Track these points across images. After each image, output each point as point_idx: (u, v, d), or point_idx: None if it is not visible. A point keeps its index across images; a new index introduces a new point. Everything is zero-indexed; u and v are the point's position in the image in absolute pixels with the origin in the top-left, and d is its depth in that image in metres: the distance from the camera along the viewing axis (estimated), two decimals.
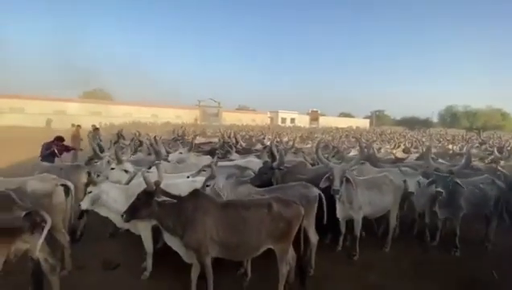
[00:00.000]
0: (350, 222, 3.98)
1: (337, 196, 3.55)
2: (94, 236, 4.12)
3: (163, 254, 3.33)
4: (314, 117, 55.49)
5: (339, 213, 3.74)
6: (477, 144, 11.59)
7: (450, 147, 10.47)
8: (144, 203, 2.63)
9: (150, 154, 5.76)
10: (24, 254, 2.39)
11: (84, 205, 3.09)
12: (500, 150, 7.93)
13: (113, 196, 3.18)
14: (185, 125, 24.84)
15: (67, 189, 3.21)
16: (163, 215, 2.66)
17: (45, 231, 2.34)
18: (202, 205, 2.70)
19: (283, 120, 50.92)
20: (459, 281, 3.46)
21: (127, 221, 2.70)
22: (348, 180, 3.66)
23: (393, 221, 4.24)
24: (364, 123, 57.04)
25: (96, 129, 9.99)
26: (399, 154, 7.37)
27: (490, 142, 12.60)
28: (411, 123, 52.86)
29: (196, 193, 2.81)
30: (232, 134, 10.31)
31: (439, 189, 3.78)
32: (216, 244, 2.68)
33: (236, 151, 7.12)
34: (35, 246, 2.27)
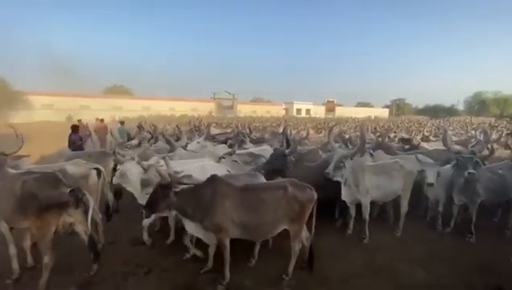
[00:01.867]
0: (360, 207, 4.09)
1: (335, 179, 3.72)
2: (125, 216, 4.55)
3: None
4: (330, 107, 54.49)
5: (345, 197, 3.87)
6: (506, 132, 11.00)
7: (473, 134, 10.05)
8: (161, 196, 2.73)
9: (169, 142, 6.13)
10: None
11: (115, 179, 3.48)
12: None
13: (134, 173, 3.46)
14: (200, 117, 25.42)
15: (99, 173, 3.60)
16: (182, 204, 2.78)
17: (91, 207, 2.70)
18: (220, 189, 2.84)
19: (298, 111, 50.46)
20: (472, 266, 3.45)
21: (148, 215, 2.87)
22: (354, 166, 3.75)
23: (404, 207, 4.27)
24: (383, 113, 55.30)
25: (122, 122, 11.01)
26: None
27: None
28: (435, 111, 50.56)
29: (213, 179, 2.93)
30: (246, 125, 10.56)
31: (471, 171, 3.72)
32: (236, 226, 2.84)
33: (250, 141, 7.38)
34: (78, 219, 2.64)
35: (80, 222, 2.76)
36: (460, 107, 53.98)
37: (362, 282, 3.18)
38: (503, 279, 3.17)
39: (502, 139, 7.52)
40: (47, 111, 32.45)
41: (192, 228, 2.99)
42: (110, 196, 4.10)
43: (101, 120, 11.33)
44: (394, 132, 10.77)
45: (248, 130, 8.59)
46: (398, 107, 60.87)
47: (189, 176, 2.95)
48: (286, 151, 4.27)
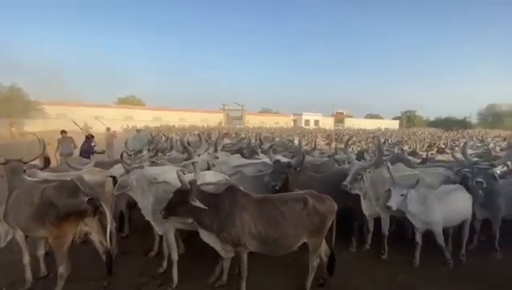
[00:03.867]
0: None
1: (353, 192, 3.60)
2: (137, 226, 4.49)
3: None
4: (339, 118, 54.25)
5: (365, 210, 3.74)
6: None
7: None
8: (180, 201, 2.69)
9: (183, 152, 6.12)
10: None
11: (116, 190, 3.24)
12: None
13: (141, 185, 3.23)
14: (210, 128, 25.68)
15: (115, 181, 3.58)
16: (200, 213, 2.69)
17: (109, 217, 2.67)
18: (239, 200, 2.77)
19: (307, 122, 50.41)
20: (497, 285, 3.27)
21: (165, 217, 2.77)
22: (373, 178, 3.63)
23: None
24: (393, 124, 54.55)
25: (138, 130, 11.48)
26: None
27: None
28: (447, 124, 49.38)
29: (232, 189, 2.88)
30: (257, 136, 10.53)
31: (478, 179, 3.63)
32: (255, 239, 2.75)
33: (261, 152, 7.33)
34: (95, 229, 2.61)
35: (96, 232, 2.73)
36: (474, 120, 52.88)
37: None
38: None
39: None
40: (61, 120, 33.47)
41: (208, 238, 2.92)
42: (123, 206, 4.08)
43: (108, 128, 11.83)
44: (407, 144, 10.53)
45: (259, 142, 8.55)
46: (408, 119, 59.99)
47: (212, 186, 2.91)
48: (292, 163, 4.18)
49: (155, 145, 5.91)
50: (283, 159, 4.59)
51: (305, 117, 51.40)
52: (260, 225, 2.72)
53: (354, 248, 4.05)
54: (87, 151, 7.66)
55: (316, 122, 50.78)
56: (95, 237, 2.77)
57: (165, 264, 3.40)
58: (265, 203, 2.85)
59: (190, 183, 2.67)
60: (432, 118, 59.38)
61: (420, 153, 7.43)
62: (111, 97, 51.47)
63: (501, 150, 8.47)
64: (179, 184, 2.69)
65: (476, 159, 4.31)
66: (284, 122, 48.85)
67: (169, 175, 3.28)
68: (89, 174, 3.58)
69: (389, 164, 4.86)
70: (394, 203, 3.40)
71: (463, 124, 48.72)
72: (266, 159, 5.40)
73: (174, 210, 2.73)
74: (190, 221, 2.79)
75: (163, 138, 8.51)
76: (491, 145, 9.85)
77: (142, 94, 57.25)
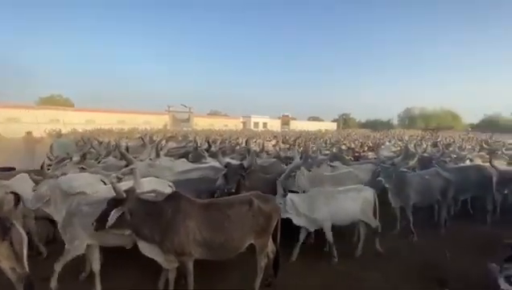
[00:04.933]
0: None
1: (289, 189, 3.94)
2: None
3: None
4: (285, 121, 57.09)
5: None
6: (431, 143, 12.82)
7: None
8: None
9: (122, 158, 5.58)
10: None
11: (32, 203, 2.84)
12: (447, 147, 9.03)
13: (54, 197, 2.87)
14: (153, 131, 24.05)
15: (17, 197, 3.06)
16: (139, 223, 2.50)
17: (24, 241, 2.24)
18: (182, 207, 2.65)
19: (256, 124, 51.55)
20: (419, 263, 3.82)
21: (97, 230, 2.47)
22: None
23: None
24: (332, 126, 59.76)
25: (60, 135, 10.05)
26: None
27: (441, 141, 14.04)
28: (375, 125, 56.68)
29: (174, 196, 2.75)
30: (204, 139, 10.32)
31: (380, 178, 4.34)
32: (200, 245, 2.65)
33: (209, 155, 7.19)
34: (4, 254, 2.16)
35: (6, 258, 2.25)
36: (395, 121, 61.68)
37: (326, 283, 3.32)
38: (443, 272, 3.56)
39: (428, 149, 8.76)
40: None
41: (149, 250, 2.68)
42: (32, 225, 3.52)
43: (27, 133, 10.49)
44: (344, 144, 11.69)
45: (207, 144, 8.38)
46: (344, 121, 66.66)
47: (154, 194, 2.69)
48: (245, 164, 4.23)
49: (85, 151, 5.24)
50: (233, 162, 4.59)
51: (254, 119, 52.50)
52: (205, 232, 2.65)
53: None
54: None
55: (265, 125, 52.37)
56: (5, 264, 2.28)
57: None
58: (210, 208, 2.79)
59: (126, 191, 2.43)
60: (363, 120, 67.32)
61: (356, 150, 8.34)
62: (32, 97, 43.80)
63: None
64: (100, 194, 2.43)
65: (393, 154, 5.06)
66: (234, 124, 48.94)
67: (92, 184, 2.97)
68: None
69: (329, 163, 5.33)
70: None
71: (387, 125, 56.56)
72: (214, 163, 5.32)
73: (107, 222, 2.41)
74: (127, 232, 2.53)
75: (96, 143, 7.60)
76: (411, 145, 11.65)
77: (71, 94, 50.07)
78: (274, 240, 3.20)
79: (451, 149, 8.45)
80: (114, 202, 2.42)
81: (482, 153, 8.22)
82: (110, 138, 12.84)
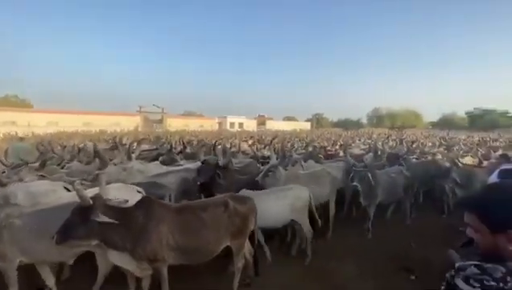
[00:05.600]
0: None
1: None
2: None
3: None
4: (261, 121, 57.52)
5: None
6: (397, 141, 13.68)
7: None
8: (79, 221, 2.24)
9: (89, 163, 5.24)
10: None
11: None
12: (412, 144, 9.74)
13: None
14: (123, 133, 22.90)
15: None
16: (107, 231, 2.33)
17: None
18: (154, 212, 2.53)
19: (232, 125, 51.30)
20: (387, 255, 4.04)
21: (60, 242, 2.21)
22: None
23: (332, 209, 4.72)
24: (306, 126, 61.33)
25: (21, 138, 9.21)
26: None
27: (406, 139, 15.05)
28: (346, 124, 59.24)
29: (145, 201, 2.63)
30: (178, 140, 10.05)
31: (355, 183, 4.43)
32: (174, 250, 2.56)
33: (184, 157, 7.02)
34: None
35: None
36: (364, 120, 64.88)
37: (303, 280, 3.40)
38: (409, 261, 3.82)
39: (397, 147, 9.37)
40: None
41: (120, 259, 2.52)
42: None
43: None
44: (318, 143, 12.06)
45: (182, 145, 8.17)
46: (317, 121, 68.74)
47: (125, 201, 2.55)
48: (220, 162, 4.23)
49: (46, 156, 4.85)
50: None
51: (230, 120, 52.15)
52: (179, 236, 2.56)
53: (277, 242, 4.31)
54: None
55: (241, 125, 52.24)
56: None
57: None
58: (184, 211, 2.70)
59: (93, 198, 2.28)
60: (335, 120, 69.96)
61: (328, 149, 8.62)
62: None
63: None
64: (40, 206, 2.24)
65: (363, 152, 5.27)
66: (209, 124, 48.20)
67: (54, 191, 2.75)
68: None
69: (302, 161, 5.44)
70: None
71: (357, 124, 59.39)
72: (189, 165, 5.20)
73: (72, 233, 2.24)
74: (94, 242, 2.36)
75: (59, 147, 7.07)
76: (379, 143, 12.33)
77: (30, 94, 46.03)
78: (251, 241, 3.20)
79: (414, 146, 9.11)
80: (80, 210, 2.24)
81: (441, 149, 8.96)
82: (75, 141, 12.02)
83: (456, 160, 5.74)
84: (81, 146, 7.98)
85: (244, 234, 2.98)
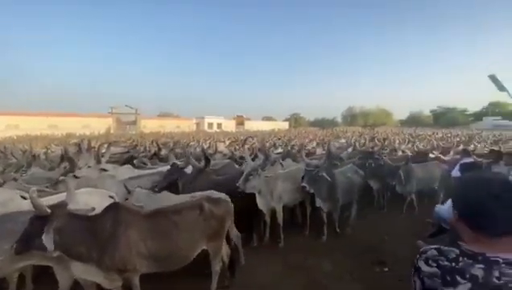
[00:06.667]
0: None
1: (247, 191, 3.80)
2: None
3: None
4: (239, 121, 57.31)
5: (261, 206, 4.06)
6: (369, 138, 14.30)
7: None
8: (38, 231, 2.04)
9: (52, 169, 4.86)
10: None
11: None
12: (384, 141, 10.25)
13: None
14: (93, 136, 21.69)
15: None
16: (70, 241, 2.14)
17: None
18: (123, 218, 2.37)
19: (210, 125, 50.58)
20: (362, 249, 4.20)
21: (19, 252, 2.02)
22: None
23: (308, 208, 4.78)
24: (284, 125, 62.13)
25: None
26: None
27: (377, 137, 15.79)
28: (322, 123, 61.02)
29: (114, 206, 2.46)
30: (151, 142, 9.69)
31: (303, 184, 4.08)
32: (145, 258, 2.41)
33: (159, 159, 6.77)
34: None
35: None
36: (339, 119, 67.23)
37: (282, 278, 3.41)
38: (382, 254, 3.99)
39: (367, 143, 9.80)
40: None
41: (85, 272, 2.31)
42: None
43: None
44: (296, 141, 12.26)
45: (157, 148, 7.87)
46: (295, 120, 70.01)
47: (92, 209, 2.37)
48: (186, 169, 4.27)
49: (5, 163, 4.43)
50: (181, 164, 4.40)
51: (208, 120, 51.33)
52: (151, 243, 2.42)
53: (255, 243, 4.30)
54: None
55: (219, 125, 51.65)
56: None
57: None
58: (155, 216, 2.56)
59: (53, 207, 2.08)
60: (312, 119, 71.80)
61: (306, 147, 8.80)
62: None
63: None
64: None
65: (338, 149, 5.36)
66: (186, 125, 47.03)
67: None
68: None
69: (281, 161, 5.45)
70: None
71: (332, 123, 61.38)
72: (163, 168, 5.01)
73: (31, 243, 2.04)
74: (55, 254, 2.16)
75: (20, 152, 6.50)
76: (352, 140, 12.80)
77: None
78: (228, 242, 3.14)
79: (386, 143, 9.59)
80: (36, 221, 2.04)
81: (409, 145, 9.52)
82: (38, 145, 11.14)
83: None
84: (44, 150, 7.41)
85: (221, 236, 2.92)
